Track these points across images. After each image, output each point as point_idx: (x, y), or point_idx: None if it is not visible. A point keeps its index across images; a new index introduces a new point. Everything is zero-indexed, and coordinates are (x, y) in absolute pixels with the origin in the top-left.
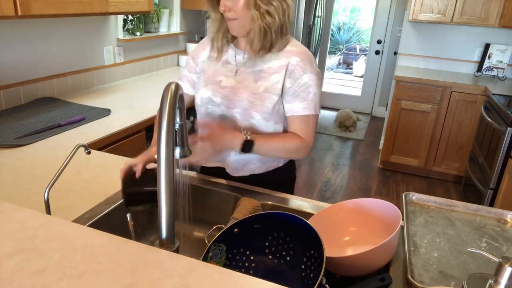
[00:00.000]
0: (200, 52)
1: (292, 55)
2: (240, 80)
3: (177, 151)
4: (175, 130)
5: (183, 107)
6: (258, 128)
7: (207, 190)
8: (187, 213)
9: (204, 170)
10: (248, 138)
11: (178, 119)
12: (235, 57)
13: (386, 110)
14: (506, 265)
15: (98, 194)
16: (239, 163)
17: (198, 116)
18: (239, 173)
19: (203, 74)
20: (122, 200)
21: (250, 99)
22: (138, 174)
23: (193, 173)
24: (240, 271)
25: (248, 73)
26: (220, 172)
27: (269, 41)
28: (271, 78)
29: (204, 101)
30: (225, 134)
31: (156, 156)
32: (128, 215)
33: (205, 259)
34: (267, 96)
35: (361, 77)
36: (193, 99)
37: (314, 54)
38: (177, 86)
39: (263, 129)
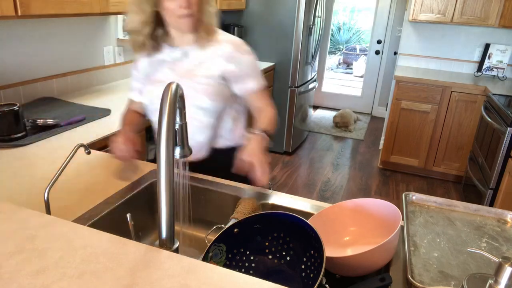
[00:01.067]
0: (139, 58)
1: (225, 44)
2: (181, 74)
3: (177, 151)
4: (175, 130)
5: (183, 107)
6: (206, 107)
7: (207, 190)
8: (187, 213)
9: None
10: (265, 134)
11: (178, 119)
12: (170, 54)
13: (386, 110)
14: (506, 265)
15: (98, 194)
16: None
17: (151, 116)
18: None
19: (146, 77)
20: (122, 200)
21: (192, 85)
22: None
23: (193, 173)
24: (240, 271)
25: (185, 67)
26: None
27: (211, 34)
28: (206, 65)
29: (153, 100)
30: (261, 148)
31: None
32: (128, 215)
33: (205, 259)
34: (207, 81)
35: (361, 77)
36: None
37: (314, 54)
38: (177, 86)
39: (211, 108)
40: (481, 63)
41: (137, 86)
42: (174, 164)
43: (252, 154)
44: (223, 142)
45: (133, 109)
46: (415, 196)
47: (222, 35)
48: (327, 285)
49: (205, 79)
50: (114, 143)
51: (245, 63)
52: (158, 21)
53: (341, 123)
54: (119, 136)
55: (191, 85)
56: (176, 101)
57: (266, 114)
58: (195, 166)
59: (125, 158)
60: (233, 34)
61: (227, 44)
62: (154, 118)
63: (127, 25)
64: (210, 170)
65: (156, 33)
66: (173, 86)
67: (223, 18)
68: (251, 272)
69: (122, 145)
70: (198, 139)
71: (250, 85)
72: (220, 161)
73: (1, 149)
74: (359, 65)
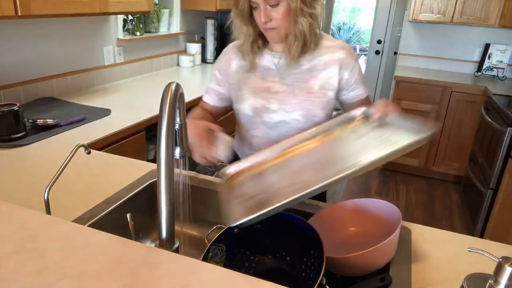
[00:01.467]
0: (228, 63)
1: (337, 50)
2: (290, 83)
3: (177, 151)
4: (175, 130)
5: (183, 107)
6: (318, 121)
7: (207, 190)
8: (187, 213)
9: None
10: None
11: (178, 119)
12: (274, 61)
13: None
14: (506, 265)
15: (98, 194)
16: None
17: (248, 127)
18: None
19: (244, 84)
20: (122, 200)
21: (310, 99)
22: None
23: (193, 173)
24: (240, 271)
25: (295, 74)
26: None
27: (307, 44)
28: (321, 75)
29: (258, 111)
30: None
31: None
32: (128, 215)
33: (205, 259)
34: (323, 92)
35: None
36: (221, 112)
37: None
38: (177, 86)
39: (322, 120)
40: (481, 63)
41: (216, 89)
42: (174, 164)
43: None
44: None
45: (205, 108)
46: None
47: (329, 40)
48: (327, 286)
49: (321, 90)
50: (190, 132)
51: (356, 69)
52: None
53: None
54: (190, 125)
55: (307, 98)
56: (176, 101)
57: None
58: None
59: (208, 139)
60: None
61: (339, 50)
62: (254, 131)
63: (237, 46)
64: None
65: (257, 43)
66: (173, 86)
67: (222, 18)
68: (251, 272)
69: (197, 128)
70: None
71: (359, 92)
72: None
73: (1, 149)
74: None
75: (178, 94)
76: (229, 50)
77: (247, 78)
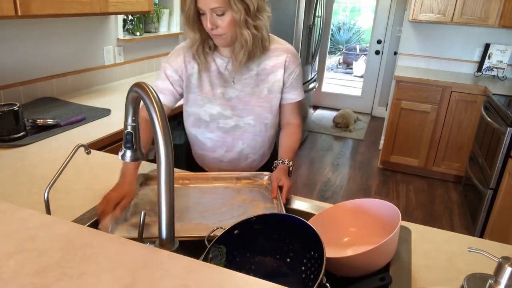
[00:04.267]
0: (185, 65)
1: (282, 52)
2: (241, 88)
3: (128, 154)
4: (129, 132)
5: (137, 108)
6: (269, 125)
7: None
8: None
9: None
10: (290, 167)
11: (129, 120)
12: (226, 66)
13: (386, 110)
14: (506, 265)
15: (98, 194)
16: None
17: (205, 130)
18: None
19: (200, 89)
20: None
21: (260, 103)
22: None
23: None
24: (240, 272)
25: (246, 79)
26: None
27: (252, 51)
28: (269, 79)
29: (215, 117)
30: (286, 174)
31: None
32: (142, 212)
33: (205, 260)
34: (272, 96)
35: (361, 77)
36: (172, 111)
37: (314, 54)
38: (131, 89)
39: (271, 123)
40: (481, 63)
41: (171, 89)
42: (173, 165)
43: (280, 179)
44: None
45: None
46: None
47: (277, 43)
48: (327, 284)
49: (270, 94)
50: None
51: (295, 74)
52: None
53: (342, 124)
54: (116, 190)
55: (257, 103)
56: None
57: (293, 141)
58: None
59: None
60: None
61: (284, 53)
62: (210, 134)
63: (188, 41)
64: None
65: (207, 45)
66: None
67: None
68: (251, 273)
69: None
70: (260, 152)
71: (293, 95)
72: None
73: (1, 149)
74: (359, 65)
75: (130, 97)
76: (183, 51)
77: (201, 82)
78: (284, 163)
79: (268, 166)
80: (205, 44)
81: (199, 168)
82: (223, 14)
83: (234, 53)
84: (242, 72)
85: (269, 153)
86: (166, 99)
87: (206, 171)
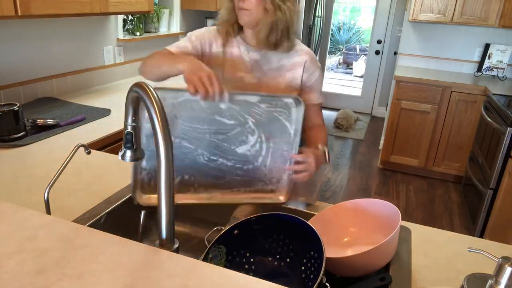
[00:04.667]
0: (210, 43)
1: (303, 54)
2: (259, 78)
3: (128, 154)
4: (129, 132)
5: (137, 108)
6: None
7: None
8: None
9: None
10: (326, 152)
11: (129, 120)
12: (249, 53)
13: (386, 110)
14: (506, 265)
15: (98, 194)
16: None
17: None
18: None
19: (219, 70)
20: (122, 200)
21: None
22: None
23: None
24: (240, 272)
25: (265, 70)
26: None
27: (274, 36)
28: (287, 75)
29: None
30: (318, 160)
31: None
32: (142, 212)
33: (205, 260)
34: (288, 91)
35: (361, 77)
36: None
37: (314, 54)
38: (132, 88)
39: None
40: (481, 63)
41: (188, 52)
42: (173, 164)
43: (309, 166)
44: None
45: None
46: None
47: (300, 45)
48: (327, 284)
49: (287, 89)
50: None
51: (316, 76)
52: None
53: (345, 126)
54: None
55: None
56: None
57: (323, 134)
58: None
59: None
60: None
61: (305, 54)
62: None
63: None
64: None
65: (234, 26)
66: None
67: None
68: (251, 274)
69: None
70: None
71: (315, 97)
72: None
73: (1, 149)
74: (359, 65)
75: (130, 97)
76: (211, 31)
77: (222, 63)
78: (318, 148)
79: None
80: (231, 24)
81: None
82: None
83: (257, 31)
84: (262, 63)
85: None
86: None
87: None
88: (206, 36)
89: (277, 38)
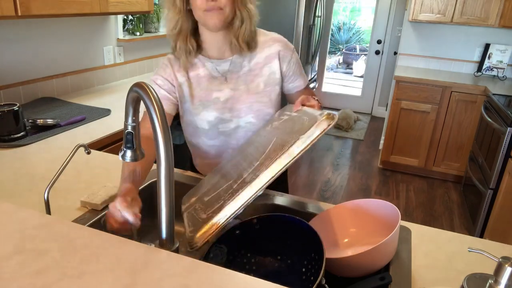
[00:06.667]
0: (175, 74)
1: (272, 42)
2: (235, 87)
3: (128, 154)
4: (129, 132)
5: (137, 108)
6: (269, 119)
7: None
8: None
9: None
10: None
11: (130, 120)
12: (217, 68)
13: (386, 110)
14: (506, 265)
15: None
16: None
17: (206, 138)
18: None
19: (193, 98)
20: None
21: (258, 99)
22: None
23: (191, 173)
24: (240, 272)
25: (239, 77)
26: None
27: (251, 35)
28: (264, 71)
29: (213, 123)
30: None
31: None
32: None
33: (205, 260)
34: (269, 89)
35: (361, 77)
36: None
37: (314, 54)
38: (131, 89)
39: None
40: (481, 63)
41: (168, 97)
42: (173, 164)
43: (309, 99)
44: None
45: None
46: None
47: (263, 35)
48: (326, 285)
49: (267, 88)
50: (111, 211)
51: (293, 60)
52: (193, 31)
53: (345, 127)
54: (118, 200)
55: (255, 99)
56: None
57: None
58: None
59: (124, 229)
60: None
61: (276, 43)
62: (212, 141)
63: (166, 28)
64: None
65: (191, 43)
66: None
67: None
68: (252, 274)
69: (120, 213)
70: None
71: (297, 84)
72: None
73: (1, 149)
74: (359, 65)
75: (130, 97)
76: (169, 61)
77: (193, 90)
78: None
79: None
80: (187, 38)
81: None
82: None
83: (233, 31)
84: (234, 71)
85: None
86: (166, 107)
87: None
88: (168, 71)
89: (253, 37)
